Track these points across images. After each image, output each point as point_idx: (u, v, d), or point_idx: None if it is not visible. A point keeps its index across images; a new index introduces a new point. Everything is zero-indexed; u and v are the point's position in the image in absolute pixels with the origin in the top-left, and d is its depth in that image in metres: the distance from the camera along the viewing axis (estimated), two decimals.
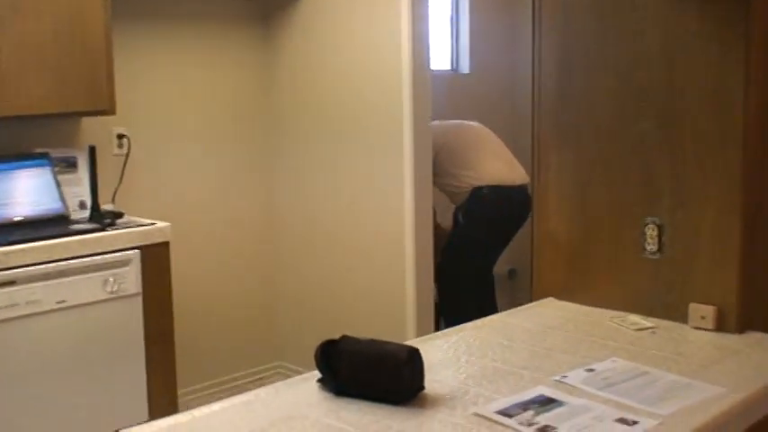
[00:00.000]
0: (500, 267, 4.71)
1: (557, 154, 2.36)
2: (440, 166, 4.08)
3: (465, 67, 5.24)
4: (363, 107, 3.70)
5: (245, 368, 4.14)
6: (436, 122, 3.99)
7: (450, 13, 5.19)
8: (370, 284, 3.77)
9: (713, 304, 2.07)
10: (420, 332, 3.51)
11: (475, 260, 4.33)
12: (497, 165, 4.26)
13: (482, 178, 4.17)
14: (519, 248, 4.42)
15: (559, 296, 2.39)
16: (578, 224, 2.33)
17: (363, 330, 4.07)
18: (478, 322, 2.20)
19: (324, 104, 3.88)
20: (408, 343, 1.77)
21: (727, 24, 1.99)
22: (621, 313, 2.23)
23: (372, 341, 1.69)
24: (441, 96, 4.21)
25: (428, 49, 3.58)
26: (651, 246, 2.17)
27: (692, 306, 2.11)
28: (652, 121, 2.14)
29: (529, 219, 4.21)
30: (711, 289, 2.08)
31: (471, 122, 4.50)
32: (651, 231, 2.17)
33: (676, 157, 2.11)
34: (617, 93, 2.20)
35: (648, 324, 2.13)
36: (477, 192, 4.17)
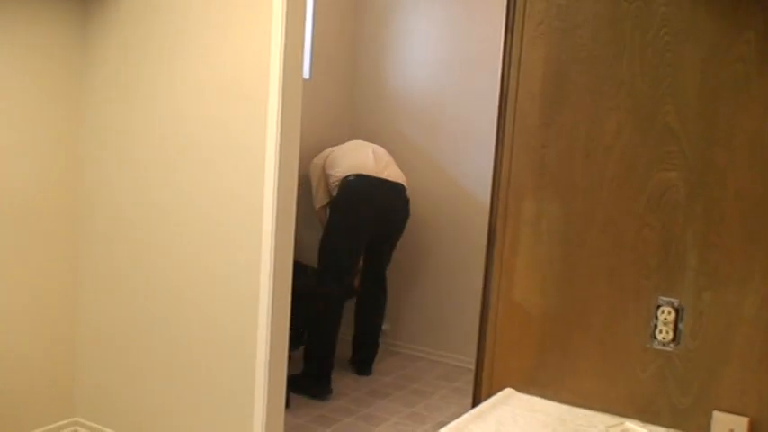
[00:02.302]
0: None
1: (534, 201, 1.78)
2: (324, 176, 4.34)
3: (305, 72, 4.65)
4: (213, 123, 2.92)
5: (33, 428, 3.22)
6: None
7: None
8: (192, 317, 3.00)
9: (745, 415, 1.60)
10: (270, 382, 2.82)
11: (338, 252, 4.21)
12: (364, 158, 4.30)
13: (349, 170, 4.25)
14: None
15: (523, 388, 1.82)
16: (559, 297, 1.77)
17: (187, 376, 3.35)
18: None
19: (158, 120, 3.05)
20: None
21: None
22: (616, 419, 1.70)
23: None
24: None
25: (302, 55, 2.82)
26: (664, 334, 1.66)
27: (717, 415, 1.62)
28: (679, 172, 1.62)
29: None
30: (743, 395, 1.60)
31: (364, 142, 4.59)
32: (666, 315, 1.65)
33: (710, 222, 1.60)
34: (632, 130, 1.67)
35: None
36: (344, 180, 4.23)
